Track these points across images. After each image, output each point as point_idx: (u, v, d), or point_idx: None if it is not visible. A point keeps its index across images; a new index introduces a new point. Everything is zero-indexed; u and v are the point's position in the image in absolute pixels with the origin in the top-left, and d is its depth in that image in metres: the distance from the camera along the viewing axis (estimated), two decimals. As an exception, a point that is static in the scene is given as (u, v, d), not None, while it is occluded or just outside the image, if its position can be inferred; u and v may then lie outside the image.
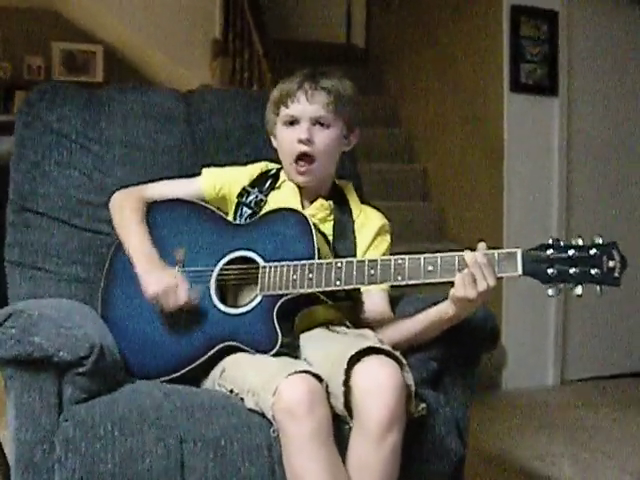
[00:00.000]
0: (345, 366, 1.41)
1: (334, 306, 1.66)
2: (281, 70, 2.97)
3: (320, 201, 1.78)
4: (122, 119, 1.98)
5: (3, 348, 1.41)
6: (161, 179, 1.87)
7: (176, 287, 1.59)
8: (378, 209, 1.87)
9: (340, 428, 1.43)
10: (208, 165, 1.87)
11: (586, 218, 3.68)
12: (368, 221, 1.81)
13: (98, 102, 1.98)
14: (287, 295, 1.56)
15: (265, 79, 4.18)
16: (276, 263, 1.58)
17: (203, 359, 1.60)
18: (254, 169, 1.85)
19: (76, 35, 5.74)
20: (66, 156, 1.90)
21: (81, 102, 1.96)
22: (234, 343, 1.58)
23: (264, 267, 1.59)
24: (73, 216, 1.87)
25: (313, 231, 1.59)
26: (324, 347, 1.56)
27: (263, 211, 1.74)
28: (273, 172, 1.84)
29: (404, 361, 1.47)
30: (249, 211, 1.77)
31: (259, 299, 1.59)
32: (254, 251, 1.64)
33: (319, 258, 1.56)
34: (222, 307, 1.62)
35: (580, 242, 1.43)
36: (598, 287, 1.40)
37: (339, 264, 1.54)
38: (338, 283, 1.53)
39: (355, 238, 1.77)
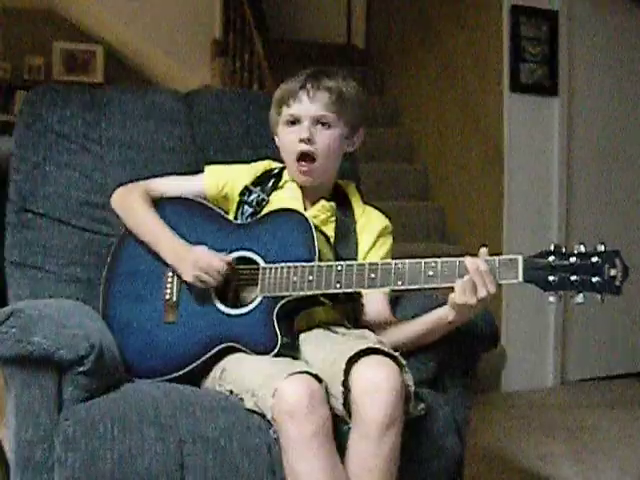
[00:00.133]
0: (344, 366, 1.41)
1: (334, 307, 1.66)
2: (281, 70, 2.96)
3: (322, 202, 1.77)
4: (122, 120, 1.98)
5: (3, 347, 1.41)
6: (162, 178, 1.87)
7: (210, 262, 1.60)
8: (380, 210, 1.86)
9: (339, 428, 1.43)
10: (209, 164, 1.87)
11: (586, 218, 3.68)
12: (370, 222, 1.80)
13: (98, 103, 1.98)
14: (287, 297, 1.56)
15: (265, 79, 4.18)
16: (276, 264, 1.58)
17: (203, 359, 1.60)
18: (257, 167, 1.84)
19: (76, 35, 5.75)
20: (66, 157, 1.90)
21: (81, 103, 1.96)
22: (234, 344, 1.58)
23: (264, 268, 1.59)
24: (73, 216, 1.87)
25: (314, 233, 1.59)
26: (323, 348, 1.56)
27: (265, 211, 1.74)
28: (276, 171, 1.83)
29: (403, 361, 1.46)
30: (250, 210, 1.76)
31: (259, 300, 1.59)
32: (254, 251, 1.64)
33: (320, 260, 1.56)
34: (222, 307, 1.62)
35: (582, 249, 1.42)
36: (599, 295, 1.40)
37: (339, 267, 1.53)
38: (338, 286, 1.53)
39: (357, 239, 1.77)
